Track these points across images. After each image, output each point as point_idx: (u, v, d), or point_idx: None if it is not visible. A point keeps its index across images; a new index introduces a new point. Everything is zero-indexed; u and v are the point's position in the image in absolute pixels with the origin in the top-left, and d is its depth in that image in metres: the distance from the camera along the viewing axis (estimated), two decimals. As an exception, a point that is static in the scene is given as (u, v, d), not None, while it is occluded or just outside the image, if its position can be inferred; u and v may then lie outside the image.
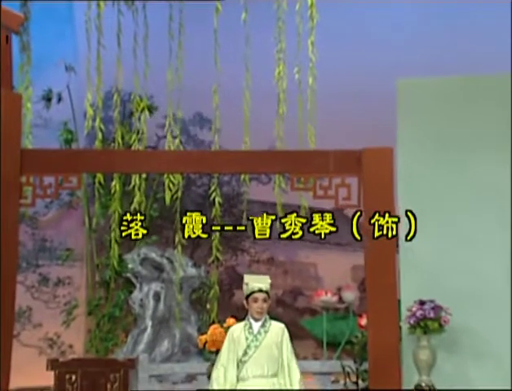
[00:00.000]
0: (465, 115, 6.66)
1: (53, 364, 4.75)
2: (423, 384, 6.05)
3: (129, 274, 12.36)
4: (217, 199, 10.60)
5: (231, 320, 7.03)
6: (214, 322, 7.76)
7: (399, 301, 6.41)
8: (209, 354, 7.12)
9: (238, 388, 5.79)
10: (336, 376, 9.54)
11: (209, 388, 5.94)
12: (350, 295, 11.72)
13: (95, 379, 4.79)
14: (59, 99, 13.34)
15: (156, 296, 12.22)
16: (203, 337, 7.02)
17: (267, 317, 6.09)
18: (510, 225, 6.37)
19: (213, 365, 6.90)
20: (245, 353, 5.88)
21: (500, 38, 15.56)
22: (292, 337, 15.67)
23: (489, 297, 6.21)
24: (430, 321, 6.07)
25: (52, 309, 13.62)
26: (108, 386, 4.83)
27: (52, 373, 4.65)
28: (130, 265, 12.23)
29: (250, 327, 5.98)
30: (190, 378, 10.49)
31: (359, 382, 8.79)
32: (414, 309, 6.12)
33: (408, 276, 6.47)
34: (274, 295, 18.05)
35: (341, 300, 11.78)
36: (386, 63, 12.35)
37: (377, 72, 12.00)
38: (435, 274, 6.32)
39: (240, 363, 5.87)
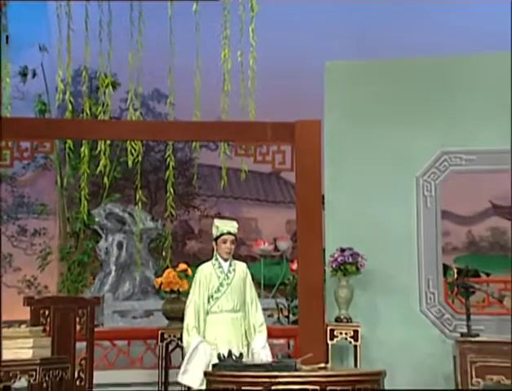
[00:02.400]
0: (383, 93, 6.69)
1: (29, 301, 4.69)
2: (342, 317, 6.15)
3: (96, 227, 12.32)
4: (171, 164, 10.56)
5: (183, 265, 7.02)
6: (168, 267, 7.73)
7: (323, 249, 6.50)
8: (165, 294, 7.12)
9: (208, 320, 5.57)
10: (271, 312, 9.65)
11: (184, 325, 5.62)
12: (284, 244, 11.84)
13: (66, 314, 4.75)
14: (34, 75, 13.24)
15: (120, 245, 12.18)
16: (159, 279, 7.00)
17: (231, 257, 5.86)
18: (415, 184, 6.47)
19: (167, 302, 6.94)
20: (218, 290, 5.64)
21: (420, 26, 15.71)
22: (235, 280, 15.38)
23: (397, 243, 6.32)
24: (348, 265, 6.11)
25: (29, 255, 13.68)
26: (77, 320, 4.79)
27: (28, 309, 4.61)
28: (96, 219, 12.18)
29: (220, 267, 5.72)
30: (148, 313, 10.53)
31: (290, 316, 8.93)
32: (336, 255, 6.17)
33: (331, 228, 6.54)
34: (220, 244, 18.14)
35: (276, 248, 11.89)
36: (315, 48, 12.39)
37: (309, 55, 12.04)
38: (354, 225, 6.40)
39: (211, 299, 5.64)
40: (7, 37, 12.50)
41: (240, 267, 5.82)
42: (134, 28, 9.86)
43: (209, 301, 5.62)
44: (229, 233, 5.77)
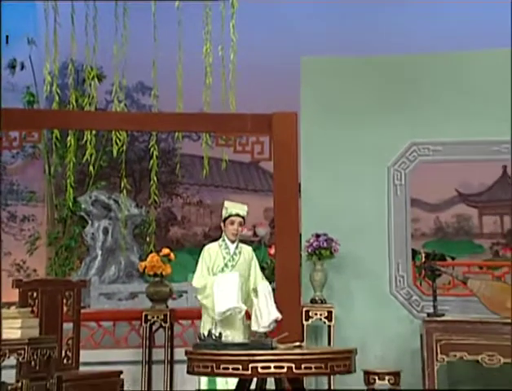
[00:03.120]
0: (356, 88, 6.71)
1: (18, 283, 4.67)
2: (317, 298, 6.18)
3: (82, 213, 12.25)
4: (155, 153, 10.52)
5: (166, 250, 7.01)
6: (152, 252, 7.71)
7: (299, 235, 6.53)
8: (148, 277, 7.11)
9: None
10: (250, 294, 9.67)
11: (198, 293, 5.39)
12: (262, 230, 11.88)
13: (53, 296, 4.73)
14: (22, 67, 13.14)
15: (105, 231, 12.13)
16: (143, 263, 6.99)
17: (238, 240, 5.59)
18: (386, 174, 6.50)
19: (151, 285, 6.93)
20: (222, 270, 5.37)
21: (391, 25, 15.77)
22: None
23: (368, 229, 6.35)
24: (323, 250, 6.13)
25: (19, 240, 13.64)
26: (64, 302, 4.77)
27: (17, 291, 4.58)
28: (83, 206, 12.12)
29: (226, 248, 5.46)
30: (132, 296, 10.51)
31: (268, 298, 8.95)
32: (311, 240, 6.20)
33: (307, 215, 6.56)
34: (202, 230, 18.16)
35: (255, 234, 11.93)
36: (292, 44, 12.40)
37: (286, 50, 12.05)
38: (328, 212, 6.42)
39: None
40: (7, 36, 12.45)
41: (246, 250, 5.56)
42: (118, 22, 9.80)
43: None
44: (237, 215, 5.50)
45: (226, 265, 5.39)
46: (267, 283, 5.50)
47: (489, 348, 5.34)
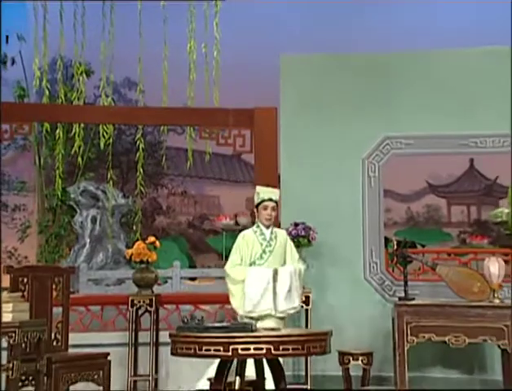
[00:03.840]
0: (333, 84, 6.72)
1: (9, 269, 4.63)
2: (295, 285, 6.18)
3: (71, 202, 12.19)
4: (141, 146, 10.48)
5: (151, 238, 6.96)
6: (138, 240, 7.68)
7: (279, 224, 6.53)
8: (135, 264, 7.06)
9: None
10: (232, 280, 9.66)
11: (228, 282, 4.99)
12: (243, 219, 11.86)
13: (43, 281, 4.70)
14: (13, 63, 13.03)
15: (93, 220, 12.06)
16: (130, 251, 6.94)
17: (272, 224, 5.19)
18: (361, 166, 6.52)
19: (137, 272, 6.89)
20: (261, 257, 4.97)
21: (367, 24, 15.80)
22: (200, 251, 15.78)
23: (344, 218, 6.37)
24: (301, 238, 6.12)
25: (11, 228, 13.57)
26: (54, 287, 4.75)
27: (8, 277, 4.56)
28: (72, 195, 12.05)
29: (262, 234, 5.05)
30: (119, 282, 10.47)
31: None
32: (290, 229, 6.18)
33: (286, 204, 6.55)
34: (186, 219, 18.13)
35: (237, 223, 11.91)
36: (273, 41, 12.39)
37: (267, 48, 12.03)
38: (306, 202, 6.44)
39: (253, 265, 4.97)
40: (7, 37, 12.30)
41: (281, 234, 5.18)
42: (106, 20, 9.75)
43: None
44: (270, 199, 5.10)
45: (264, 251, 5.03)
46: (300, 267, 5.06)
47: (455, 329, 5.40)
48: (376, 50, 7.41)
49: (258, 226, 5.10)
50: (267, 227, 5.06)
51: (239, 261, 4.97)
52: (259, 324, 4.50)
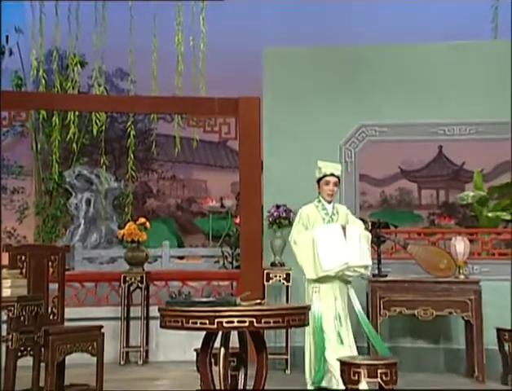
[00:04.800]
0: (313, 75, 6.68)
1: (7, 248, 4.60)
2: (276, 262, 6.19)
3: (67, 186, 12.13)
4: (132, 133, 10.48)
5: (142, 219, 6.94)
6: (129, 221, 7.66)
7: (262, 206, 6.54)
8: (126, 243, 7.04)
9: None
10: (218, 258, 9.69)
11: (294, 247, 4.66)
12: (229, 202, 11.84)
13: (40, 259, 4.67)
14: (11, 53, 12.95)
15: (88, 202, 12.01)
16: (122, 231, 6.93)
17: (334, 200, 4.87)
18: (338, 152, 6.52)
19: (128, 251, 6.86)
20: None
21: (347, 17, 15.77)
22: (187, 232, 15.74)
23: None
24: (282, 219, 6.10)
25: (9, 210, 13.54)
26: (50, 264, 4.72)
27: (6, 255, 4.53)
28: (67, 179, 11.99)
29: (324, 209, 4.71)
30: (112, 260, 10.45)
31: (234, 262, 8.97)
32: (272, 211, 6.18)
33: (268, 188, 6.56)
34: (175, 202, 18.09)
35: (222, 205, 11.89)
36: (257, 36, 12.33)
37: (252, 41, 11.97)
38: (287, 186, 6.41)
39: None
40: (7, 37, 12.14)
41: (342, 209, 4.83)
42: (98, 14, 9.71)
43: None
44: (332, 175, 4.75)
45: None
46: (367, 233, 4.73)
47: (424, 303, 5.46)
48: (353, 44, 7.38)
49: (319, 201, 4.77)
50: (329, 202, 4.73)
51: (303, 229, 4.65)
52: (325, 287, 4.37)
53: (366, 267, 4.58)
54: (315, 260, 4.46)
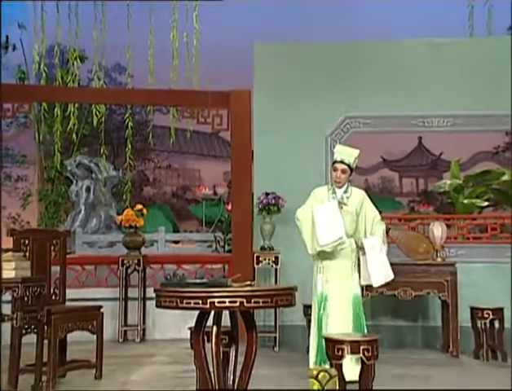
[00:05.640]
0: (301, 70, 6.65)
1: (12, 232, 4.57)
2: (266, 246, 6.19)
3: (68, 174, 12.09)
4: (130, 124, 10.43)
5: (139, 206, 6.92)
6: (127, 207, 7.63)
7: (252, 194, 6.53)
8: (124, 229, 7.03)
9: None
10: (210, 243, 9.70)
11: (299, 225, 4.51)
12: (221, 190, 11.86)
13: (43, 243, 4.65)
14: (14, 48, 12.87)
15: (88, 189, 11.95)
16: (120, 217, 6.91)
17: (349, 184, 4.52)
18: (324, 142, 6.51)
19: (126, 235, 6.84)
20: None
21: (334, 15, 15.71)
22: (182, 218, 15.71)
23: (309, 189, 6.19)
24: (272, 206, 6.10)
25: (14, 197, 13.59)
26: (52, 248, 4.70)
27: (11, 239, 4.50)
28: (68, 168, 11.94)
29: (334, 192, 4.46)
30: (111, 244, 10.42)
31: (226, 246, 8.98)
32: (262, 198, 6.18)
33: (258, 177, 6.55)
34: (170, 190, 18.05)
35: (215, 193, 11.90)
36: (248, 32, 12.27)
37: (243, 37, 11.92)
38: (276, 174, 6.41)
39: None
40: (7, 37, 12.03)
41: (357, 194, 4.50)
42: (98, 11, 9.65)
43: None
44: (342, 161, 4.42)
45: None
46: (379, 238, 4.42)
47: (404, 284, 5.49)
48: (340, 40, 7.36)
49: (332, 185, 4.53)
50: (340, 187, 4.46)
51: (309, 208, 4.49)
52: (328, 267, 4.25)
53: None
54: (313, 236, 4.37)
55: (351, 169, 4.45)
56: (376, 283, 4.44)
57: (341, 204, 4.36)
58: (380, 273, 4.41)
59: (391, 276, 4.48)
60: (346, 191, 4.47)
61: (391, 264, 4.56)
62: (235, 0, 13.81)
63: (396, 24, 13.72)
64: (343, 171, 4.42)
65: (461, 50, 6.55)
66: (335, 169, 4.44)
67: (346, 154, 4.46)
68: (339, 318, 4.35)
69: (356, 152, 4.50)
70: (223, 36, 14.19)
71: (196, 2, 8.96)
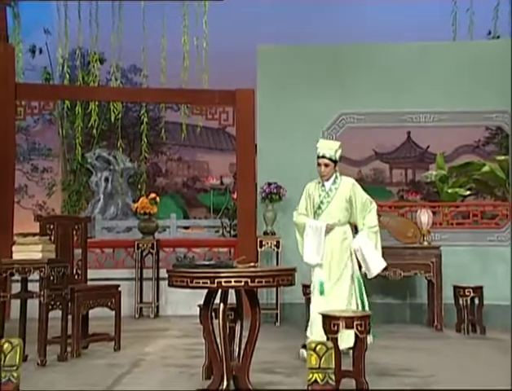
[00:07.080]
0: (301, 70, 6.60)
1: (38, 218, 4.59)
2: (268, 231, 6.19)
3: (88, 166, 12.11)
4: (145, 120, 10.43)
5: (153, 195, 6.91)
6: (142, 196, 7.64)
7: (255, 183, 6.52)
8: (140, 215, 7.03)
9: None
10: (217, 229, 9.70)
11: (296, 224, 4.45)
12: (227, 180, 11.85)
13: (66, 228, 4.66)
14: (41, 52, 12.92)
15: (106, 180, 11.97)
16: (135, 205, 6.91)
17: (338, 174, 4.37)
18: (321, 136, 6.40)
19: (141, 221, 6.84)
20: (319, 207, 4.32)
21: (331, 18, 15.60)
22: (192, 206, 15.68)
23: (308, 179, 6.17)
24: (274, 195, 6.10)
25: (40, 186, 13.75)
26: (74, 232, 4.71)
27: (38, 224, 4.52)
28: (89, 160, 11.96)
29: (323, 185, 4.34)
30: (127, 229, 10.44)
31: (231, 231, 8.98)
32: (264, 187, 6.17)
33: (261, 168, 6.53)
34: (181, 180, 18.04)
35: (222, 183, 11.89)
36: (252, 35, 12.22)
37: (248, 40, 11.87)
38: (278, 166, 6.37)
39: (315, 215, 4.35)
40: (7, 37, 12.08)
41: (345, 183, 4.37)
42: (115, 17, 9.65)
43: (314, 217, 4.37)
44: (323, 156, 4.29)
45: (322, 202, 4.35)
46: (365, 239, 4.34)
47: (393, 266, 5.48)
48: (336, 43, 7.30)
49: (321, 178, 4.39)
50: (327, 180, 4.34)
51: (303, 210, 4.42)
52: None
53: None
54: (301, 246, 4.43)
55: (335, 161, 4.32)
56: (371, 276, 4.43)
57: (328, 227, 4.30)
58: (374, 266, 4.35)
59: (383, 265, 4.39)
60: (334, 183, 4.35)
61: (383, 247, 4.52)
62: (239, 5, 13.72)
63: (390, 28, 13.62)
64: (326, 165, 4.29)
65: (445, 53, 6.51)
66: (319, 164, 4.33)
67: (327, 148, 4.35)
68: (337, 299, 4.28)
69: (336, 144, 4.40)
70: (230, 39, 14.12)
71: (205, 8, 8.91)
